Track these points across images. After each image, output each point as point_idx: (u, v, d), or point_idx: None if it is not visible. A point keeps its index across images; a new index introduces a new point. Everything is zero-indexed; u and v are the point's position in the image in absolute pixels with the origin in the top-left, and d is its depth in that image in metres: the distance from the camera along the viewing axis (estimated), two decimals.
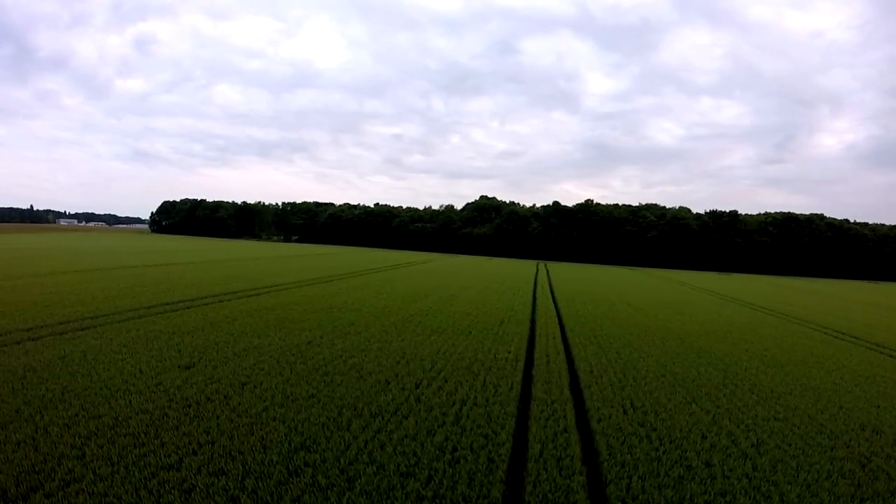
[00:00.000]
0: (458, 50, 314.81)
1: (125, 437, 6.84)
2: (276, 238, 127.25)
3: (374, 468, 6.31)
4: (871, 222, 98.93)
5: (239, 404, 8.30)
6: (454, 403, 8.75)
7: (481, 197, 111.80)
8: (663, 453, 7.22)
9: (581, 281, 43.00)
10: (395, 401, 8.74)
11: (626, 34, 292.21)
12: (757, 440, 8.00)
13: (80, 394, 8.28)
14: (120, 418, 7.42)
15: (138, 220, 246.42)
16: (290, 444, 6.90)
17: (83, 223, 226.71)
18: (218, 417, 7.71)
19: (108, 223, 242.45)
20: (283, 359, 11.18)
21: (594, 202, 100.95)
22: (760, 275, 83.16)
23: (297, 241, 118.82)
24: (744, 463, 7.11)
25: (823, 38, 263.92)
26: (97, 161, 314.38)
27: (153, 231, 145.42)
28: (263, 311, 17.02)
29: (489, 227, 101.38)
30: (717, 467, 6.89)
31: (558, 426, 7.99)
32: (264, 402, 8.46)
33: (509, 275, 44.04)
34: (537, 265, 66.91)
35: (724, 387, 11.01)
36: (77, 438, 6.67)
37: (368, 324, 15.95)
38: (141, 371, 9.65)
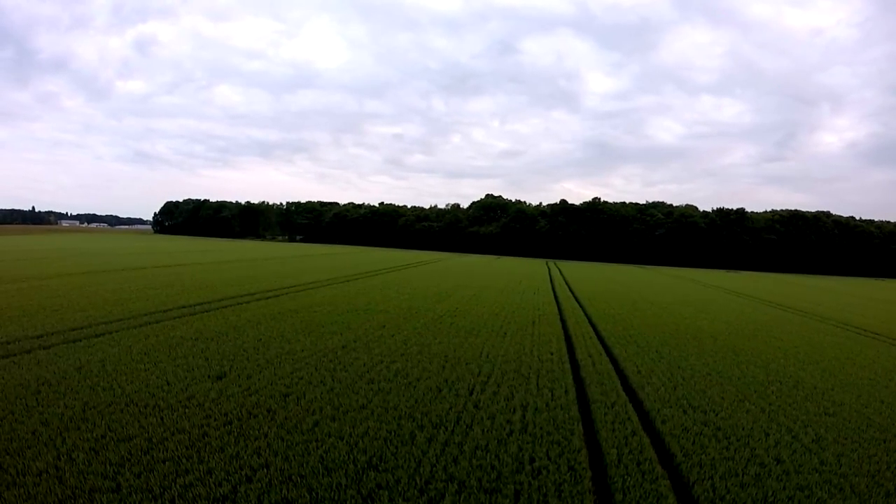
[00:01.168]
0: (459, 50, 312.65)
1: (164, 463, 5.88)
2: (280, 238, 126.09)
3: (456, 486, 5.72)
4: (875, 219, 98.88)
5: (286, 419, 7.41)
6: (514, 410, 8.23)
7: (487, 196, 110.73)
8: (734, 452, 7.12)
9: (596, 280, 42.07)
10: (453, 409, 8.14)
11: (626, 33, 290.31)
12: (816, 435, 8.04)
13: (103, 411, 7.30)
14: (154, 440, 6.45)
15: (140, 221, 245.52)
16: (355, 464, 6.09)
17: (85, 224, 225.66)
18: (266, 435, 6.79)
19: (110, 224, 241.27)
20: (322, 365, 10.30)
21: (601, 200, 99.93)
22: (768, 272, 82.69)
23: (302, 240, 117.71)
24: (810, 458, 7.15)
25: (823, 36, 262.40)
26: (98, 162, 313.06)
27: (156, 232, 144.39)
28: (287, 313, 16.05)
29: (496, 225, 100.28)
30: (787, 463, 6.90)
31: (626, 429, 7.69)
32: (313, 415, 7.60)
33: (523, 274, 43.09)
34: (547, 264, 65.99)
35: (769, 384, 10.91)
36: (108, 466, 5.72)
37: (400, 325, 15.16)
38: (168, 383, 8.67)
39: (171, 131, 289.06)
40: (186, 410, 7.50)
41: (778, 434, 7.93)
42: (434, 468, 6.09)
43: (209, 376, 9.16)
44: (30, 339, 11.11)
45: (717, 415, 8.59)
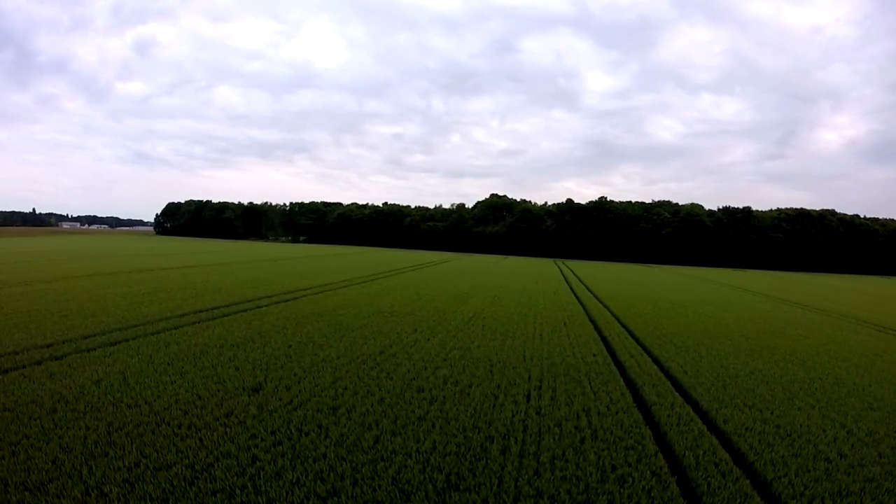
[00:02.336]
0: (458, 49, 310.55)
1: (215, 496, 4.99)
2: (283, 239, 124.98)
3: (547, 502, 5.28)
4: (880, 217, 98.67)
5: (342, 436, 6.57)
6: (578, 415, 7.85)
7: (492, 195, 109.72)
8: (799, 448, 7.09)
9: (609, 279, 41.22)
10: (516, 417, 7.63)
11: (626, 32, 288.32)
12: (868, 429, 8.06)
13: (132, 433, 6.36)
14: (197, 467, 5.53)
15: (140, 223, 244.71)
16: (433, 485, 5.45)
17: (86, 226, 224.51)
18: (325, 456, 5.94)
19: (111, 225, 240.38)
20: (363, 373, 9.45)
21: (608, 199, 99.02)
22: (774, 271, 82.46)
23: (305, 241, 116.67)
24: (869, 451, 7.17)
25: (823, 34, 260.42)
26: (99, 164, 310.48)
27: (158, 233, 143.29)
28: (310, 317, 15.11)
29: (502, 225, 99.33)
30: (851, 457, 6.91)
31: (692, 430, 7.47)
32: (371, 430, 6.78)
33: (536, 274, 42.20)
34: (556, 264, 65.14)
35: (811, 381, 10.91)
36: (149, 503, 4.78)
37: (432, 328, 14.37)
38: (200, 397, 7.73)
39: (172, 132, 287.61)
40: (227, 430, 6.57)
41: (833, 430, 7.90)
42: (518, 482, 5.62)
43: (244, 388, 8.23)
44: (39, 349, 10.14)
45: (771, 413, 8.49)
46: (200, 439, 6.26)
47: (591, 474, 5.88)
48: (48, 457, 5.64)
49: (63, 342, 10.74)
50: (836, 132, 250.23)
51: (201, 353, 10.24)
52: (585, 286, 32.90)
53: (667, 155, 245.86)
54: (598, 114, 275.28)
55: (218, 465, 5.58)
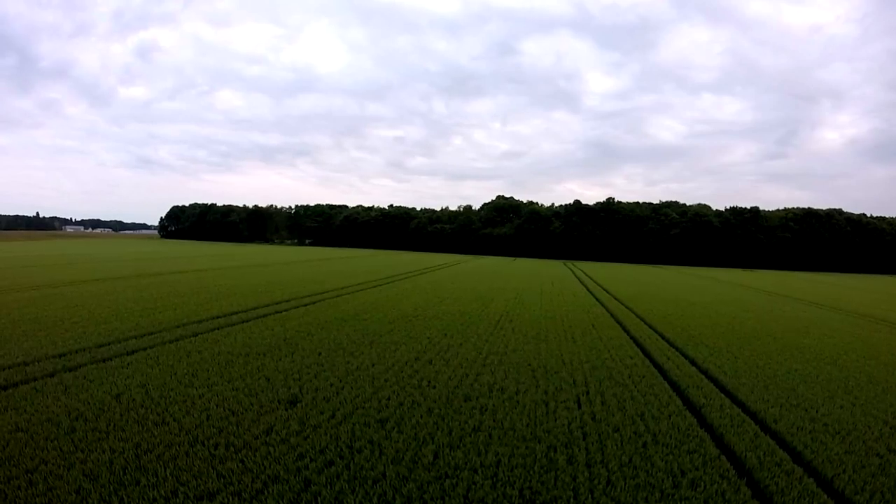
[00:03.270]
0: (458, 52, 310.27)
1: None
2: (289, 242, 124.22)
3: None
4: (887, 216, 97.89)
5: (397, 452, 5.96)
6: (634, 420, 7.61)
7: (498, 197, 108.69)
8: (850, 445, 7.06)
9: (624, 281, 40.39)
10: (573, 424, 7.32)
11: (625, 33, 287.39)
12: None
13: (163, 455, 5.62)
14: (245, 496, 4.84)
15: (144, 226, 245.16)
16: (509, 502, 5.05)
17: (89, 230, 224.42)
18: (384, 476, 5.33)
19: (115, 229, 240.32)
20: (403, 381, 8.85)
21: (615, 200, 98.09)
22: (783, 270, 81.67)
23: (311, 244, 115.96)
24: None
25: (822, 33, 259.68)
26: (101, 168, 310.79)
27: (162, 236, 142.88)
28: (334, 321, 14.37)
29: (509, 227, 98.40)
30: None
31: (747, 431, 7.36)
32: (426, 444, 6.23)
33: (551, 276, 41.39)
34: (566, 265, 64.34)
35: (846, 380, 10.83)
36: None
37: (462, 333, 13.73)
38: (233, 412, 6.99)
39: (174, 137, 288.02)
40: (271, 449, 5.85)
41: (877, 427, 7.90)
42: (594, 493, 5.37)
43: (279, 401, 7.51)
44: (51, 359, 9.39)
45: (817, 412, 8.47)
46: (242, 461, 5.53)
47: (662, 480, 5.69)
48: (71, 486, 4.91)
49: (76, 351, 10.02)
50: (838, 131, 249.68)
51: (227, 363, 9.50)
52: (602, 288, 32.18)
53: (668, 155, 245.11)
54: (599, 115, 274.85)
55: (268, 493, 4.88)
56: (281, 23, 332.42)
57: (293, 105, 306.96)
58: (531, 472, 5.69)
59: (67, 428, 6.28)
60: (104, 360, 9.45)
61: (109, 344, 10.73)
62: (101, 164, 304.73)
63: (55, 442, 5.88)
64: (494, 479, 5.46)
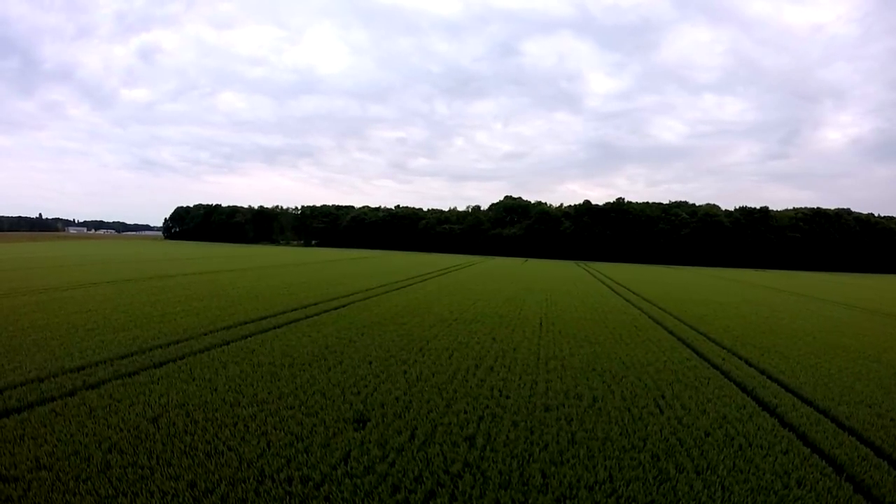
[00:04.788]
0: (460, 53, 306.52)
1: None
2: (295, 243, 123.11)
3: None
4: (894, 216, 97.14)
5: (500, 474, 5.20)
6: (720, 423, 7.36)
7: (506, 197, 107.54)
8: None
9: (645, 281, 39.26)
10: (663, 431, 6.95)
11: (627, 33, 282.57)
12: None
13: (227, 495, 4.48)
14: None
15: (147, 228, 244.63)
16: None
17: (93, 231, 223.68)
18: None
19: (118, 230, 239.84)
20: (475, 392, 8.26)
21: (625, 200, 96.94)
22: (794, 270, 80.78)
23: (317, 245, 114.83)
24: None
25: (824, 32, 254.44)
26: (104, 170, 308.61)
27: (166, 237, 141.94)
28: (372, 326, 13.26)
29: (519, 227, 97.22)
30: None
31: (825, 428, 7.31)
32: (529, 463, 5.70)
33: (572, 277, 40.26)
34: (580, 266, 63.21)
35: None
36: None
37: (509, 337, 13.02)
38: (297, 436, 5.87)
39: (176, 138, 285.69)
40: (357, 482, 4.83)
41: None
42: (714, 500, 5.15)
43: (345, 420, 6.44)
44: (69, 374, 8.18)
45: (881, 407, 8.41)
46: (328, 499, 4.40)
47: (772, 481, 5.62)
48: None
49: (97, 364, 8.84)
50: (840, 131, 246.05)
51: (271, 376, 8.36)
52: (626, 288, 31.11)
53: (670, 156, 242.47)
54: (601, 116, 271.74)
55: None
56: (283, 25, 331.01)
57: (295, 106, 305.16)
58: (648, 486, 5.37)
59: (100, 464, 5.14)
60: (130, 375, 8.31)
61: (132, 355, 9.58)
62: (104, 165, 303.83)
63: (88, 484, 4.75)
64: (618, 498, 5.07)
